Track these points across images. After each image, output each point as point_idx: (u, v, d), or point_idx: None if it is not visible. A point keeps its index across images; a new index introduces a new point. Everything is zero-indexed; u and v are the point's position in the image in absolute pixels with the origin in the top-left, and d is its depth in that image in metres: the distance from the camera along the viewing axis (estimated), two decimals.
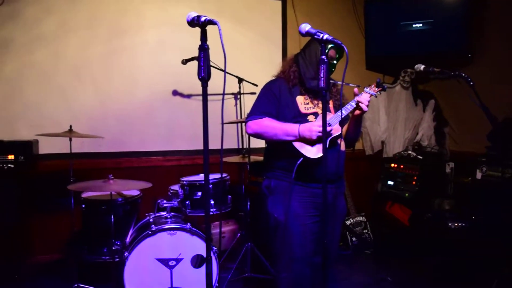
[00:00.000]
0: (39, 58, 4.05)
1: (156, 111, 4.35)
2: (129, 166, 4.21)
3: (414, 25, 4.49)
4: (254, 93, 4.08)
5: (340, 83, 2.55)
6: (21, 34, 4.03)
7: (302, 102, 2.49)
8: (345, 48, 1.94)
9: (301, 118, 2.45)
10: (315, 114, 2.47)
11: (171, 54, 4.30)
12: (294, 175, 2.36)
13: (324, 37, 1.93)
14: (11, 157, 3.69)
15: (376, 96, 2.49)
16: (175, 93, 4.39)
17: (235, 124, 4.48)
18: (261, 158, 3.78)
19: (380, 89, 2.49)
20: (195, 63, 3.94)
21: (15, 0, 4.01)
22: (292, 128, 2.38)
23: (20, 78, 4.04)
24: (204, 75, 1.66)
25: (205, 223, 1.69)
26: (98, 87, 4.21)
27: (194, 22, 1.72)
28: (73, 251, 3.46)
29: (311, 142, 2.37)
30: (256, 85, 4.12)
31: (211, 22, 1.67)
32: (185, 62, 3.96)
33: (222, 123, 1.90)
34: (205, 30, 1.71)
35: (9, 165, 3.69)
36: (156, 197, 3.55)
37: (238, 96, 4.39)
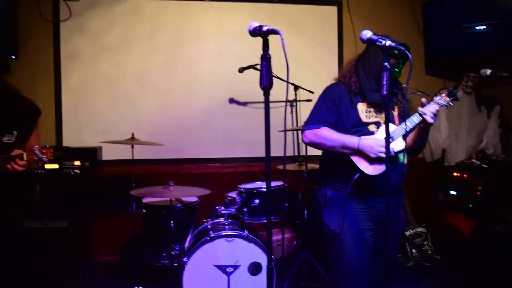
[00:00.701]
0: (104, 68, 4.26)
1: (213, 118, 4.43)
2: (187, 173, 4.31)
3: (477, 27, 4.29)
4: (310, 100, 4.06)
5: (405, 88, 2.48)
6: (87, 46, 4.26)
7: (364, 110, 2.37)
8: (409, 54, 1.89)
9: (362, 127, 2.35)
10: (377, 124, 2.36)
11: (227, 62, 4.38)
12: (350, 189, 2.30)
13: (387, 44, 1.88)
14: (77, 163, 3.88)
15: (447, 107, 2.28)
16: (231, 101, 4.46)
17: (291, 132, 4.47)
18: (318, 166, 3.74)
19: (452, 98, 2.27)
20: (251, 71, 4.01)
21: (81, 14, 4.25)
22: (351, 141, 2.28)
23: (86, 88, 4.26)
24: (266, 84, 1.66)
25: (267, 236, 1.69)
26: (159, 95, 4.36)
27: (256, 32, 1.73)
28: (134, 254, 3.57)
29: (370, 158, 2.28)
30: (312, 92, 4.09)
31: (273, 31, 1.67)
32: (242, 70, 4.01)
33: (285, 131, 1.89)
34: (267, 39, 1.72)
35: (75, 171, 3.88)
36: (213, 203, 3.61)
37: (294, 104, 4.38)
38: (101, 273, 4.00)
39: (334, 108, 2.39)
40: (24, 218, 3.62)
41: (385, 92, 1.86)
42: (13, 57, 3.90)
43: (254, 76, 4.07)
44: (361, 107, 2.38)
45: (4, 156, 2.27)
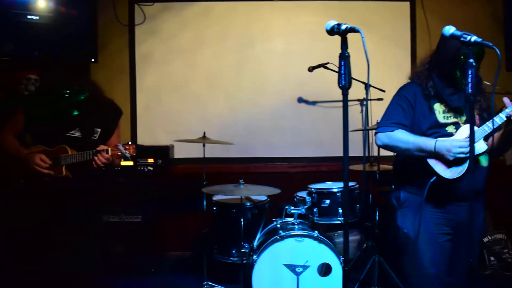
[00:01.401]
0: (176, 69, 4.41)
1: (281, 118, 4.44)
2: (255, 172, 4.35)
3: None
4: (381, 99, 3.94)
5: (486, 87, 2.35)
6: (160, 48, 4.43)
7: (441, 111, 2.27)
8: (497, 50, 1.78)
9: (439, 128, 2.25)
10: (455, 125, 2.25)
11: (296, 62, 4.37)
12: (426, 192, 2.19)
13: (472, 39, 1.79)
14: (150, 160, 4.05)
15: None
16: (300, 100, 4.44)
17: (361, 131, 4.37)
18: (389, 167, 3.63)
19: None
20: (319, 71, 3.97)
21: (155, 17, 4.42)
22: (427, 144, 2.18)
23: (159, 88, 4.43)
24: (345, 83, 1.63)
25: (343, 238, 1.66)
26: (229, 95, 4.44)
27: (334, 30, 1.70)
28: (203, 250, 3.65)
29: (447, 161, 2.17)
30: (384, 91, 3.97)
31: (353, 29, 1.64)
32: (311, 69, 3.98)
33: (365, 129, 1.85)
34: (346, 38, 1.69)
35: (148, 168, 4.04)
36: (280, 202, 3.61)
37: (364, 103, 4.28)
38: (172, 267, 4.13)
39: (409, 110, 2.30)
40: (103, 213, 3.82)
41: (470, 90, 1.77)
42: (92, 60, 4.12)
43: (323, 75, 4.06)
44: (438, 108, 2.28)
45: (91, 151, 2.41)
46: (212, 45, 4.42)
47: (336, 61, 4.10)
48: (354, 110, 4.32)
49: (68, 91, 2.44)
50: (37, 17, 3.81)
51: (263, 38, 4.44)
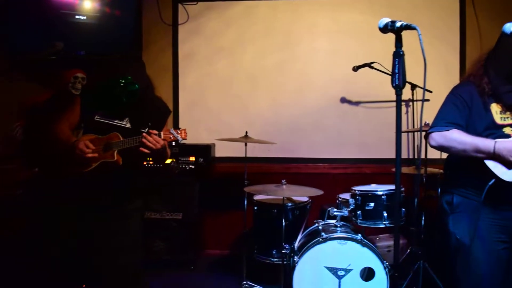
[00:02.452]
0: (218, 68, 4.43)
1: (324, 118, 4.39)
2: (297, 172, 4.31)
3: None
4: (428, 100, 3.82)
5: None
6: (203, 47, 4.46)
7: (498, 112, 2.16)
8: None
9: (496, 130, 2.14)
10: None
11: (340, 61, 4.31)
12: (484, 197, 2.09)
13: None
14: (192, 158, 4.08)
15: None
16: (343, 100, 4.37)
17: (406, 133, 4.26)
18: (436, 170, 3.51)
19: None
20: (363, 70, 3.90)
21: (198, 16, 4.46)
22: (485, 145, 2.08)
23: (201, 87, 4.47)
24: (399, 83, 1.58)
25: (394, 243, 1.60)
26: (271, 94, 4.42)
27: (387, 28, 1.65)
28: (243, 250, 3.64)
29: (508, 163, 2.06)
30: (431, 92, 3.84)
31: (409, 27, 1.58)
32: (356, 68, 3.90)
33: (421, 130, 1.78)
34: (400, 35, 1.63)
35: (190, 166, 4.08)
36: (321, 204, 3.56)
37: (410, 104, 4.16)
38: (211, 266, 4.15)
39: (464, 109, 2.21)
40: (144, 210, 3.88)
41: None
42: None
43: (367, 75, 3.98)
44: (495, 108, 2.18)
45: (140, 136, 2.39)
46: (255, 44, 4.42)
47: (381, 61, 4.04)
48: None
49: (123, 80, 2.45)
50: (85, 17, 3.92)
51: (307, 37, 4.40)
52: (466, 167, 2.23)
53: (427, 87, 3.81)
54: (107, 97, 2.50)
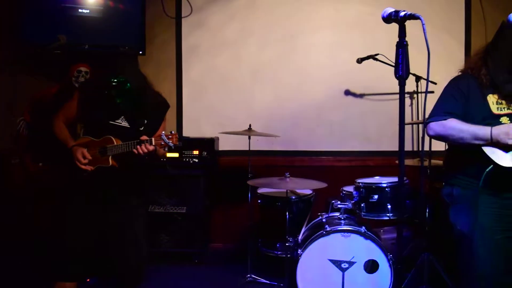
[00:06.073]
0: (221, 62, 4.41)
1: (328, 111, 4.36)
2: (300, 165, 4.30)
3: None
4: (432, 92, 3.76)
5: None
6: (206, 40, 4.44)
7: (494, 102, 2.18)
8: None
9: (493, 120, 2.14)
10: (510, 116, 2.14)
11: (344, 53, 4.27)
12: (482, 183, 2.09)
13: None
14: (195, 152, 4.07)
15: None
16: (347, 92, 4.34)
17: (410, 125, 4.24)
18: (441, 162, 3.49)
19: None
20: (367, 62, 3.87)
21: (202, 9, 4.44)
22: (482, 131, 2.09)
23: (204, 81, 4.45)
24: (402, 73, 1.57)
25: (397, 236, 1.59)
26: (274, 87, 4.40)
27: (391, 17, 1.64)
28: (248, 243, 3.65)
29: (505, 148, 2.06)
30: (435, 83, 3.81)
31: (413, 16, 1.57)
32: (360, 61, 3.88)
33: (424, 122, 1.78)
34: (404, 25, 1.61)
35: (194, 160, 4.07)
36: (325, 197, 3.55)
37: (414, 96, 4.14)
38: (216, 259, 4.15)
39: (462, 100, 2.22)
40: (149, 203, 3.89)
41: None
42: (140, 52, 4.18)
43: (371, 67, 3.96)
44: (492, 98, 2.19)
45: (134, 141, 2.45)
46: (259, 37, 4.39)
47: (385, 52, 4.00)
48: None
49: (115, 80, 2.49)
50: (88, 11, 3.92)
51: (311, 29, 4.36)
52: (463, 157, 2.23)
53: (431, 79, 3.82)
54: (101, 95, 2.54)
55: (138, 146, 2.43)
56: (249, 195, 3.63)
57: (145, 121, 2.63)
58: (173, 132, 2.44)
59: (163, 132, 2.44)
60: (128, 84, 2.50)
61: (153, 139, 2.44)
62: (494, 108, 2.18)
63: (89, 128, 2.63)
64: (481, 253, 2.15)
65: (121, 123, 2.59)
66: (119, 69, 2.54)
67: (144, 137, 2.45)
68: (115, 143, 2.51)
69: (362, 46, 4.06)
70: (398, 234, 1.63)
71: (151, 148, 2.43)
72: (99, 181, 2.55)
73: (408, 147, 4.27)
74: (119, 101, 2.52)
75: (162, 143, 2.41)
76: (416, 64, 3.93)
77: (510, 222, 2.15)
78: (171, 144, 2.41)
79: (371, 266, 2.90)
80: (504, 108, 2.17)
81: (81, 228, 2.51)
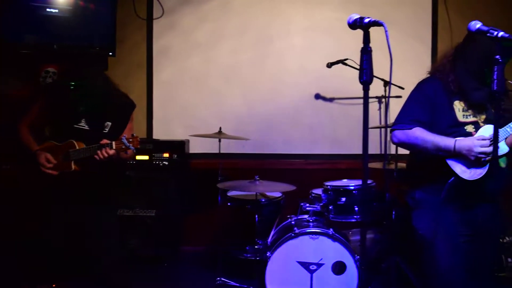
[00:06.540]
0: (193, 64, 4.40)
1: (299, 114, 4.40)
2: (271, 168, 4.30)
3: None
4: (400, 97, 3.87)
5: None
6: (178, 42, 4.43)
7: (460, 109, 2.20)
8: None
9: (458, 128, 2.18)
10: (475, 124, 2.18)
11: (315, 57, 4.32)
12: (444, 195, 2.14)
13: (499, 35, 1.74)
14: (166, 155, 4.04)
15: None
16: (317, 96, 4.39)
17: (378, 129, 4.31)
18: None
19: None
20: (337, 67, 3.93)
21: (173, 11, 4.41)
22: (446, 144, 2.11)
23: (176, 83, 4.43)
24: (366, 78, 1.59)
25: (360, 237, 1.62)
26: (246, 90, 4.42)
27: (356, 24, 1.66)
28: (218, 246, 3.64)
29: (468, 161, 2.11)
30: (403, 88, 3.90)
31: (376, 23, 1.60)
32: (330, 65, 3.94)
33: (386, 127, 1.81)
34: (368, 32, 1.65)
35: (164, 162, 4.04)
36: (296, 199, 3.57)
37: (382, 100, 4.22)
38: (186, 262, 4.12)
39: (428, 106, 2.23)
40: (118, 207, 3.83)
41: (495, 88, 1.72)
42: (110, 54, 4.12)
43: (341, 71, 4.01)
44: (458, 105, 2.21)
45: (95, 145, 2.42)
46: (230, 39, 4.39)
47: (355, 58, 4.05)
48: (372, 108, 4.27)
49: (73, 83, 2.46)
50: (56, 10, 3.84)
51: (282, 33, 4.40)
52: (428, 165, 2.26)
53: (399, 84, 3.93)
54: (64, 98, 2.51)
55: (98, 151, 2.40)
56: (219, 198, 3.63)
57: (109, 123, 2.60)
58: (134, 135, 2.43)
59: (125, 135, 2.42)
60: (88, 87, 2.48)
61: (113, 143, 2.41)
62: (460, 116, 2.20)
63: (54, 131, 2.59)
64: (443, 258, 2.20)
65: (84, 126, 2.56)
66: (83, 71, 2.51)
67: (105, 141, 2.42)
68: (77, 147, 2.47)
69: (333, 51, 4.12)
70: (361, 237, 1.66)
71: (111, 152, 2.41)
72: (64, 185, 2.51)
73: (376, 150, 4.33)
74: (79, 104, 2.49)
75: (123, 146, 2.40)
76: (384, 69, 4.03)
77: (470, 227, 2.21)
78: (132, 147, 2.40)
79: (339, 268, 2.93)
80: (470, 115, 2.20)
81: (48, 230, 2.47)
